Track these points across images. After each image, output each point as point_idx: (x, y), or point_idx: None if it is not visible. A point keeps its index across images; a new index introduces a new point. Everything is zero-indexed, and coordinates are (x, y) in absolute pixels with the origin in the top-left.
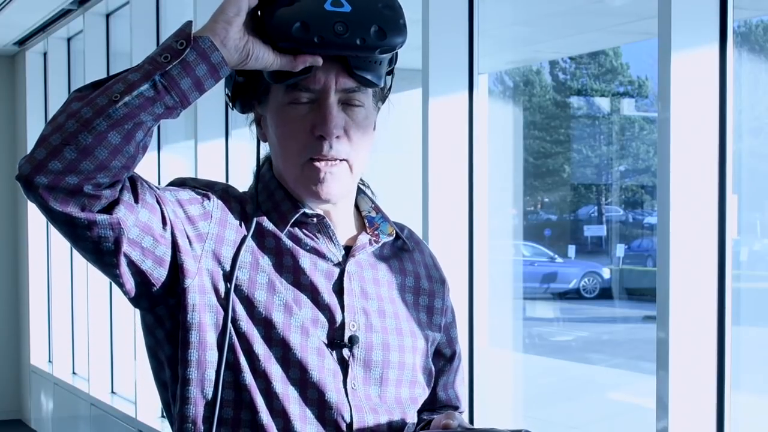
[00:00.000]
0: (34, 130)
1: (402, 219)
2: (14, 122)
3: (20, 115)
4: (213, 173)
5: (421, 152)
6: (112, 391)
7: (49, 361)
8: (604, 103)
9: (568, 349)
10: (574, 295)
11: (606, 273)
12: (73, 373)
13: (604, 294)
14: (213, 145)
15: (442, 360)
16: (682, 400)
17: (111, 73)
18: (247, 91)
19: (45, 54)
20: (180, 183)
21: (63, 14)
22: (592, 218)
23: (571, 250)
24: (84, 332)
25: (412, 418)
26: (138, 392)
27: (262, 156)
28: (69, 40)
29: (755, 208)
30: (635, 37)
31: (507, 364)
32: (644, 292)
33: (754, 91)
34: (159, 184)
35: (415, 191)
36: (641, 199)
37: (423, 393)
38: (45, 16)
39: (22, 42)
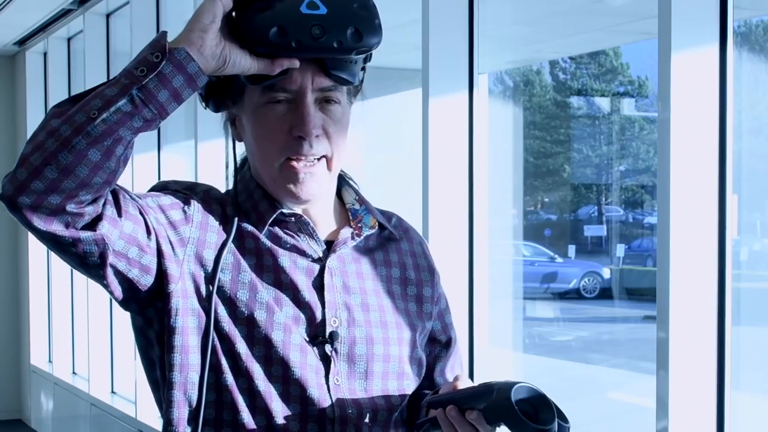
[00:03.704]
0: (34, 130)
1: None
2: (14, 122)
3: (20, 115)
4: (213, 173)
5: (421, 152)
6: (112, 391)
7: (49, 361)
8: (604, 103)
9: (568, 349)
10: (574, 295)
11: (606, 273)
12: (73, 373)
13: (604, 294)
14: (213, 145)
15: (438, 346)
16: (682, 400)
17: (111, 74)
18: (221, 91)
19: (45, 54)
20: (161, 187)
21: (63, 14)
22: (592, 218)
23: (571, 250)
24: (84, 332)
25: (400, 411)
26: (138, 392)
27: (238, 155)
28: (69, 40)
29: (755, 208)
30: (635, 37)
31: (507, 364)
32: (644, 292)
33: (754, 91)
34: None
35: (415, 191)
36: (641, 199)
37: (412, 384)
38: (45, 16)
39: (22, 42)
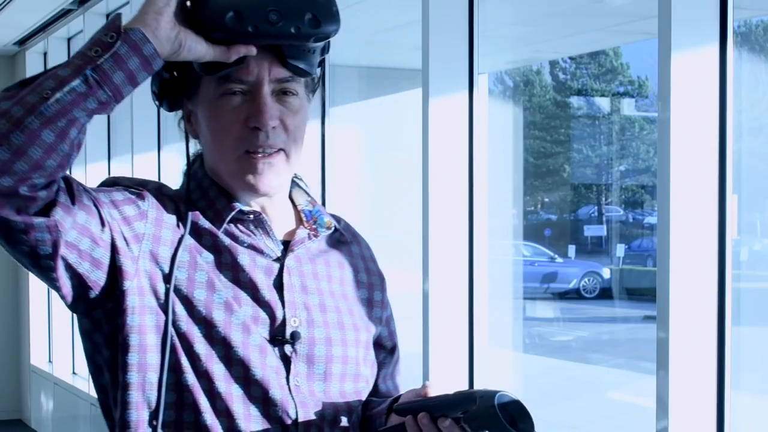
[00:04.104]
0: None
1: (402, 219)
2: None
3: None
4: None
5: (421, 152)
6: None
7: (49, 361)
8: (604, 103)
9: (568, 349)
10: (574, 295)
11: (606, 273)
12: (73, 373)
13: (604, 294)
14: None
15: (383, 352)
16: (682, 400)
17: None
18: (176, 87)
19: (45, 54)
20: (112, 183)
21: (63, 14)
22: (592, 218)
23: (571, 250)
24: None
25: (356, 413)
26: None
27: (191, 153)
28: (69, 40)
29: (755, 208)
30: (635, 37)
31: (507, 364)
32: (644, 292)
33: (754, 91)
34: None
35: (415, 191)
36: (641, 199)
37: (366, 386)
38: (45, 16)
39: (22, 42)
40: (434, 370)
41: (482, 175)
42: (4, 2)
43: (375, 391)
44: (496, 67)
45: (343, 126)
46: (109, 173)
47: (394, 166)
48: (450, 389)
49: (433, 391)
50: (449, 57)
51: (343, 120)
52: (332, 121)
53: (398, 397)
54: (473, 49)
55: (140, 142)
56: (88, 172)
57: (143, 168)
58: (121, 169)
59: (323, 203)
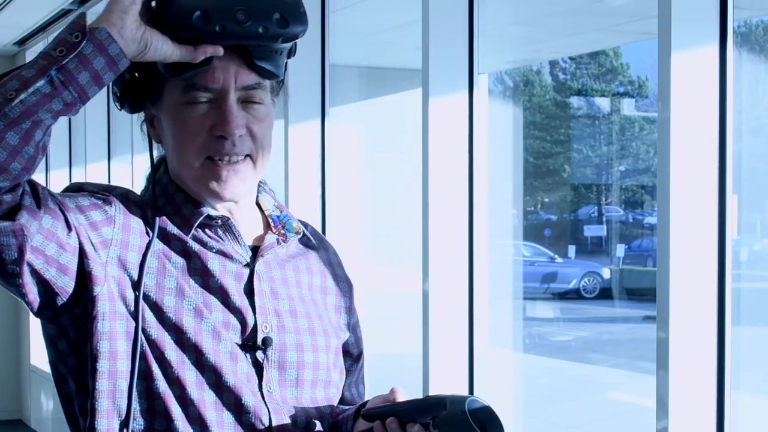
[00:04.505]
0: None
1: (402, 219)
2: None
3: None
4: None
5: (421, 152)
6: None
7: None
8: (604, 103)
9: (568, 349)
10: (574, 295)
11: (606, 273)
12: None
13: (604, 294)
14: None
15: (349, 359)
16: (682, 400)
17: None
18: (139, 90)
19: None
20: (77, 188)
21: (63, 14)
22: (592, 218)
23: (571, 250)
24: None
25: (328, 419)
26: None
27: (155, 156)
28: None
29: (755, 208)
30: (635, 37)
31: (507, 364)
32: (644, 292)
33: (754, 91)
34: None
35: (415, 191)
36: (641, 199)
37: (336, 393)
38: (45, 16)
39: (22, 42)
40: (434, 370)
41: (482, 175)
42: (4, 2)
43: (340, 399)
44: (496, 67)
45: (343, 126)
46: (108, 173)
47: (394, 166)
48: (418, 395)
49: (401, 396)
50: (449, 57)
51: (343, 120)
52: (332, 121)
53: (365, 403)
54: (473, 49)
55: (140, 143)
56: (88, 172)
57: (143, 169)
58: (120, 169)
59: (323, 204)
